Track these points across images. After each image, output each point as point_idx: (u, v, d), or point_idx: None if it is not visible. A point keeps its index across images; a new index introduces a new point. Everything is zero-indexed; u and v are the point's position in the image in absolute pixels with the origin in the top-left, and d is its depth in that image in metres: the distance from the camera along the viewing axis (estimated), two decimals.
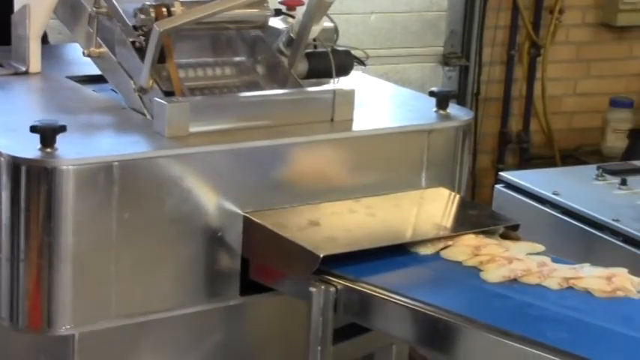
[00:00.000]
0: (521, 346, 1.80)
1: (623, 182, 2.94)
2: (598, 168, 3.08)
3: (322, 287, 2.04)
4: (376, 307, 2.03)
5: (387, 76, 4.80)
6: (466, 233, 2.24)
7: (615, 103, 5.26)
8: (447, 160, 2.52)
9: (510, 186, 3.03)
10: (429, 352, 3.14)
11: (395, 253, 2.16)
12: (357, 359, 2.58)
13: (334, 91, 2.44)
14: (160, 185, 2.16)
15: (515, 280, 2.03)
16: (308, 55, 2.61)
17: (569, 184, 2.98)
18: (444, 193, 2.49)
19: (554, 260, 2.11)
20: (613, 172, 3.04)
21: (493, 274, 2.05)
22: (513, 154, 5.33)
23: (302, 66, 2.59)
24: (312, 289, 2.04)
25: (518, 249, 2.16)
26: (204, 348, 2.36)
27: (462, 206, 2.47)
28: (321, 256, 2.06)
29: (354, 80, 2.70)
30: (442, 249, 2.18)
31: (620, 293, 1.97)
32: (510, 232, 2.31)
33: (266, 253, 2.26)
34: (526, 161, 5.26)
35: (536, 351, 1.78)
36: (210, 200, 2.22)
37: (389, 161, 2.44)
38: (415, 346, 2.62)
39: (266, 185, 2.28)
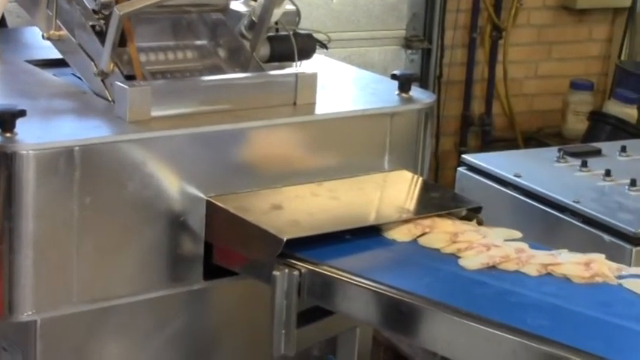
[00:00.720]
0: (482, 327, 1.81)
1: (584, 164, 2.96)
2: (559, 150, 3.10)
3: (286, 271, 2.04)
4: (339, 290, 2.03)
5: (350, 59, 4.79)
6: (429, 216, 2.24)
7: (576, 86, 5.30)
8: (409, 142, 2.53)
9: (473, 168, 3.05)
10: (392, 335, 3.16)
11: (370, 239, 2.17)
12: (321, 342, 2.59)
13: (296, 75, 2.43)
14: (121, 170, 2.14)
15: (493, 267, 2.02)
16: (270, 39, 2.60)
17: (530, 166, 2.99)
18: (406, 175, 2.49)
19: (532, 246, 2.11)
20: (574, 154, 3.07)
21: (472, 261, 2.04)
22: (476, 136, 5.35)
23: (264, 49, 2.58)
24: (276, 273, 2.04)
25: (496, 235, 2.15)
26: (168, 333, 2.36)
27: (425, 189, 2.48)
28: (285, 239, 2.06)
29: (316, 64, 2.69)
30: (419, 236, 2.17)
31: (598, 279, 1.97)
32: (473, 215, 2.32)
33: (229, 237, 2.25)
34: (488, 144, 5.28)
35: (496, 331, 1.79)
36: (172, 185, 2.21)
37: (352, 144, 2.45)
38: (379, 328, 2.63)
39: (229, 169, 2.27)
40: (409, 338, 2.15)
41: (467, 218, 2.30)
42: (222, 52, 2.55)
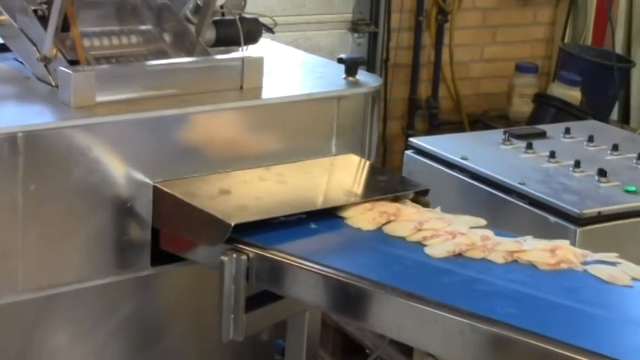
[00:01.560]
0: (430, 309, 1.82)
1: (529, 146, 2.99)
2: (504, 132, 3.12)
3: (234, 256, 2.04)
4: (288, 275, 2.03)
5: (297, 43, 4.78)
6: (381, 199, 2.25)
7: (520, 69, 5.35)
8: (356, 126, 2.53)
9: (420, 151, 3.06)
10: (341, 319, 3.17)
11: (333, 227, 2.15)
12: (270, 327, 2.59)
13: (243, 59, 2.42)
14: (66, 156, 2.12)
15: (459, 255, 2.01)
16: (216, 23, 2.58)
17: (476, 149, 3.01)
18: (354, 159, 2.50)
19: (497, 234, 2.09)
20: (519, 137, 3.09)
21: (438, 249, 2.02)
22: (423, 119, 5.38)
23: (210, 34, 2.56)
24: (224, 258, 2.03)
25: (461, 223, 2.14)
26: (116, 319, 2.34)
27: (372, 172, 2.49)
28: (232, 224, 2.06)
29: (262, 48, 2.68)
30: (384, 224, 2.15)
31: (564, 265, 1.96)
32: (420, 197, 2.33)
33: (177, 222, 2.24)
34: (435, 127, 5.31)
35: (443, 313, 1.80)
36: (118, 170, 2.19)
37: (299, 128, 2.44)
38: (327, 312, 2.64)
39: (175, 154, 2.26)
40: (358, 322, 2.16)
41: (414, 201, 2.31)
42: (167, 37, 2.53)
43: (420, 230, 2.10)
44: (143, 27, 2.54)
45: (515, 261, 1.99)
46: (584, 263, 1.98)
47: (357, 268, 1.95)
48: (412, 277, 1.94)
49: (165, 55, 2.50)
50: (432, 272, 1.96)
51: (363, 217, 2.18)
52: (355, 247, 2.09)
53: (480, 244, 2.03)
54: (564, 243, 2.05)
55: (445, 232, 2.08)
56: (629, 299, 1.88)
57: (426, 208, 2.24)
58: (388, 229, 2.13)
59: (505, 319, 1.75)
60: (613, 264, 1.98)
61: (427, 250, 2.03)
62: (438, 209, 2.25)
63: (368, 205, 2.23)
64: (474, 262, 1.99)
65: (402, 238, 2.09)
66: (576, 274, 1.96)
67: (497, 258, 2.00)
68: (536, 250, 2.01)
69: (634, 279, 1.92)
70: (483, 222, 2.16)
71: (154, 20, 2.55)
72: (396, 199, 2.27)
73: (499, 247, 2.02)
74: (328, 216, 2.19)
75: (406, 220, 2.15)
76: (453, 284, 1.91)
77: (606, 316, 1.81)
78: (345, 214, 2.20)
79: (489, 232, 2.09)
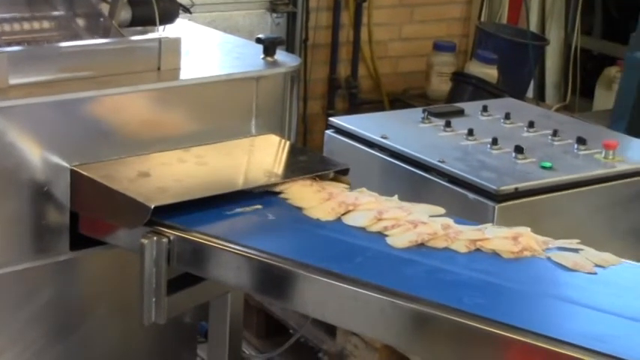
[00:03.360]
0: (351, 287, 1.82)
1: (448, 124, 3.02)
2: (424, 111, 3.14)
3: (154, 238, 2.02)
4: (209, 256, 2.02)
5: (215, 23, 4.75)
6: (302, 178, 2.25)
7: (438, 47, 5.39)
8: (276, 106, 2.53)
9: (340, 131, 3.07)
10: (264, 299, 3.17)
11: (288, 218, 2.12)
12: (192, 309, 2.58)
13: (160, 40, 2.40)
14: None
15: (422, 245, 1.97)
16: (131, 3, 2.55)
17: (396, 128, 3.03)
18: (274, 140, 2.49)
19: (457, 222, 2.07)
20: (438, 115, 3.12)
21: (400, 239, 1.99)
22: (343, 99, 5.39)
23: (125, 14, 2.53)
24: (144, 241, 2.02)
25: (420, 212, 2.10)
26: (36, 305, 2.31)
27: (292, 152, 2.49)
28: (152, 207, 2.04)
29: (180, 28, 2.66)
30: (343, 214, 2.10)
31: (527, 253, 1.95)
32: (341, 177, 2.34)
33: (96, 206, 2.22)
34: (356, 106, 5.33)
35: (364, 291, 1.81)
36: (34, 154, 2.15)
37: (218, 109, 2.43)
38: (250, 293, 2.64)
39: (93, 137, 2.23)
40: (280, 302, 2.16)
41: (335, 180, 2.32)
42: (80, 22, 2.49)
43: (380, 220, 2.06)
44: (55, 12, 2.49)
45: (478, 250, 1.97)
46: (546, 250, 1.97)
47: (338, 266, 1.88)
48: (375, 269, 1.90)
49: (79, 39, 2.46)
50: (396, 263, 1.92)
51: (321, 208, 2.13)
52: (325, 241, 2.02)
53: (441, 233, 2.00)
54: (526, 230, 2.02)
55: (406, 221, 2.04)
56: (594, 287, 1.86)
57: (384, 197, 2.20)
58: (348, 220, 2.09)
59: (473, 310, 1.72)
60: (575, 250, 1.97)
61: (389, 241, 1.99)
62: (395, 198, 2.20)
63: (316, 187, 2.20)
64: (437, 251, 1.96)
65: (363, 229, 2.05)
66: (540, 261, 1.94)
67: (461, 247, 1.97)
68: (498, 238, 1.99)
69: (597, 265, 1.92)
70: (442, 210, 2.13)
71: (66, 6, 2.50)
72: (320, 178, 2.27)
73: (461, 236, 1.99)
74: (285, 208, 2.15)
75: (365, 209, 2.11)
76: (418, 275, 1.88)
77: (572, 304, 1.79)
78: (288, 195, 2.18)
79: (450, 221, 2.06)
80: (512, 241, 1.98)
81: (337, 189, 2.22)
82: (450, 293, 1.80)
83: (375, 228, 2.05)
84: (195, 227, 2.05)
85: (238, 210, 2.13)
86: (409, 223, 2.04)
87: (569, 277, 1.90)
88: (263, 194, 2.22)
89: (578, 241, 2.02)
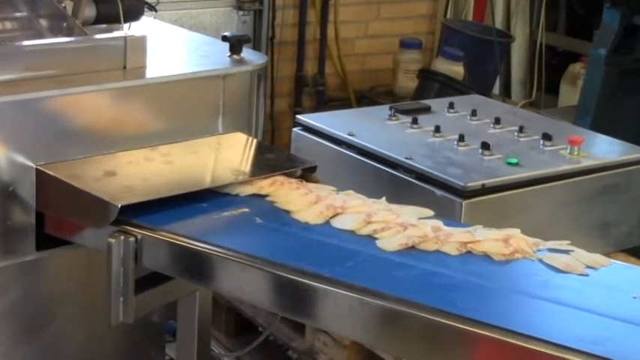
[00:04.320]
0: (321, 285, 1.82)
1: (414, 121, 3.03)
2: (390, 108, 3.15)
3: (121, 237, 2.01)
4: (177, 255, 2.02)
5: (181, 21, 4.73)
6: (270, 176, 2.24)
7: (405, 45, 5.41)
8: (242, 104, 2.52)
9: (307, 128, 3.07)
10: (232, 297, 3.16)
11: (276, 221, 2.09)
12: (160, 308, 2.57)
13: (125, 38, 2.38)
14: None
15: (413, 248, 1.95)
16: (95, 0, 2.53)
17: (363, 125, 3.03)
18: (241, 138, 2.49)
19: (446, 224, 2.04)
20: (404, 112, 3.12)
21: (390, 242, 1.96)
22: (310, 97, 5.39)
23: (89, 11, 2.52)
24: (111, 240, 2.01)
25: (409, 214, 2.07)
26: (1, 305, 2.30)
27: (260, 150, 2.49)
28: (119, 205, 2.03)
29: (146, 27, 2.65)
30: (332, 217, 2.08)
31: (518, 255, 1.93)
32: (308, 174, 2.34)
33: (62, 206, 2.20)
34: (323, 104, 5.33)
35: (332, 288, 1.80)
36: None
37: (184, 108, 2.42)
38: (219, 292, 2.63)
39: (58, 136, 2.22)
40: (248, 301, 2.15)
41: (303, 178, 2.32)
42: (43, 22, 2.47)
43: (369, 223, 2.03)
44: (18, 14, 2.47)
45: (469, 252, 1.95)
46: (537, 252, 1.95)
47: (329, 271, 1.86)
48: (366, 273, 1.87)
49: (43, 38, 2.44)
50: (387, 266, 1.89)
51: (309, 211, 2.10)
52: (319, 246, 1.99)
53: (432, 235, 1.97)
54: (515, 231, 2.01)
55: (396, 224, 2.02)
56: (586, 288, 1.85)
57: (371, 199, 2.17)
58: (337, 223, 2.06)
59: (467, 313, 1.70)
60: (566, 252, 1.96)
61: (379, 244, 1.97)
62: (383, 200, 2.18)
63: (304, 190, 2.18)
64: (428, 254, 1.94)
65: (352, 232, 2.02)
66: (532, 263, 1.92)
67: (451, 250, 1.95)
68: (489, 240, 1.97)
69: (588, 267, 1.91)
70: (431, 212, 2.10)
71: (29, 7, 2.48)
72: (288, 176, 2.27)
73: (452, 239, 1.97)
74: (274, 213, 2.12)
75: (354, 212, 2.08)
76: (410, 278, 1.85)
77: (565, 307, 1.78)
78: (275, 198, 2.16)
79: (439, 223, 2.04)
80: (503, 243, 1.96)
81: (325, 192, 2.20)
82: (442, 297, 1.78)
83: (365, 231, 2.02)
84: (163, 226, 2.04)
85: (226, 214, 2.10)
86: (399, 225, 2.01)
87: (561, 279, 1.88)
88: (250, 197, 2.19)
89: (568, 242, 2.00)
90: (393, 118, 3.10)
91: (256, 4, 5.09)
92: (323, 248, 1.98)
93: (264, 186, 2.21)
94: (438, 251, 1.95)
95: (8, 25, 2.44)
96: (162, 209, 2.10)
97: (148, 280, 2.11)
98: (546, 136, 2.92)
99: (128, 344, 2.61)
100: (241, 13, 5.08)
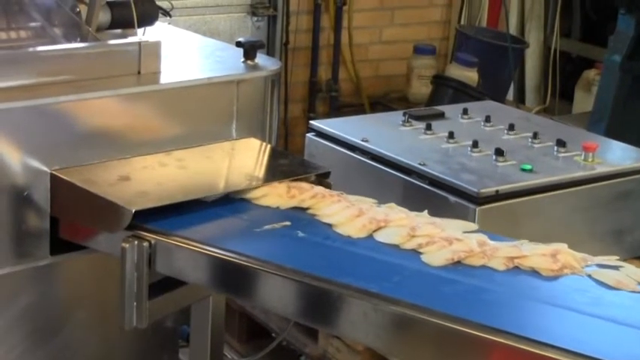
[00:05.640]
0: (336, 289, 1.82)
1: (428, 127, 3.02)
2: (404, 114, 3.15)
3: (135, 242, 2.02)
4: (191, 260, 2.02)
5: (196, 27, 4.74)
6: (279, 181, 2.25)
7: (419, 50, 5.40)
8: (256, 110, 2.53)
9: (321, 134, 3.07)
10: (246, 303, 3.17)
11: (316, 235, 2.06)
12: (174, 313, 2.58)
13: (140, 44, 2.39)
14: None
15: (459, 263, 1.91)
16: (110, 5, 2.54)
17: (377, 131, 3.03)
18: (254, 143, 2.49)
19: (491, 238, 2.01)
20: (418, 118, 3.12)
21: (435, 256, 1.92)
22: (324, 102, 5.40)
23: (104, 16, 2.53)
24: (125, 245, 2.01)
25: (453, 228, 2.04)
26: (15, 310, 2.30)
27: (273, 156, 2.49)
28: (133, 210, 2.03)
29: (160, 32, 2.65)
30: (375, 231, 2.04)
31: (567, 271, 1.89)
32: (322, 180, 2.34)
33: (76, 210, 2.21)
34: (336, 109, 5.34)
35: (347, 293, 1.81)
36: (14, 158, 2.14)
37: (198, 113, 2.43)
38: (232, 297, 2.63)
39: (73, 141, 2.23)
40: (261, 305, 2.15)
41: (316, 183, 2.32)
42: (57, 31, 2.48)
43: (414, 237, 1.99)
44: (32, 23, 2.48)
45: (516, 267, 1.91)
46: (585, 267, 1.92)
47: (376, 286, 1.81)
48: (413, 288, 1.83)
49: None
50: (434, 282, 1.85)
51: (352, 225, 2.06)
52: (362, 260, 1.95)
53: (477, 250, 1.93)
54: (563, 246, 1.97)
55: (440, 238, 1.98)
56: (639, 305, 1.81)
57: (413, 212, 2.13)
58: (380, 237, 2.02)
59: (519, 331, 1.67)
60: (615, 267, 1.92)
61: (424, 258, 1.93)
62: (425, 214, 2.14)
63: (345, 202, 2.15)
64: (475, 269, 1.90)
65: (396, 246, 1.98)
66: (581, 279, 1.88)
67: (499, 265, 1.91)
68: (536, 255, 1.93)
69: (639, 283, 1.87)
70: (475, 226, 2.08)
71: (43, 17, 2.49)
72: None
73: (498, 253, 1.93)
74: (316, 227, 2.09)
75: (397, 225, 2.04)
76: (458, 294, 1.81)
77: (618, 325, 1.74)
78: (316, 211, 2.13)
79: (484, 237, 2.00)
80: (551, 259, 1.91)
81: (366, 204, 2.16)
82: (492, 313, 1.75)
83: (409, 245, 1.98)
84: (177, 231, 2.05)
85: (267, 227, 2.07)
86: (443, 239, 1.97)
87: (612, 295, 1.84)
88: (292, 210, 2.16)
89: (617, 257, 1.96)
90: (407, 124, 3.09)
91: (270, 9, 5.10)
92: (369, 263, 1.94)
93: (306, 199, 2.18)
94: (484, 266, 1.91)
95: (23, 34, 2.45)
96: (177, 214, 2.11)
97: (162, 285, 2.12)
98: (560, 143, 2.91)
99: (141, 349, 2.61)
100: (255, 18, 5.09)
